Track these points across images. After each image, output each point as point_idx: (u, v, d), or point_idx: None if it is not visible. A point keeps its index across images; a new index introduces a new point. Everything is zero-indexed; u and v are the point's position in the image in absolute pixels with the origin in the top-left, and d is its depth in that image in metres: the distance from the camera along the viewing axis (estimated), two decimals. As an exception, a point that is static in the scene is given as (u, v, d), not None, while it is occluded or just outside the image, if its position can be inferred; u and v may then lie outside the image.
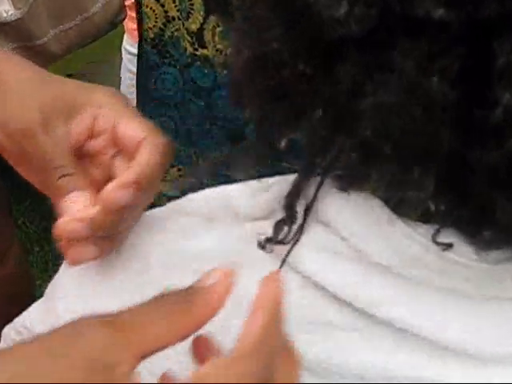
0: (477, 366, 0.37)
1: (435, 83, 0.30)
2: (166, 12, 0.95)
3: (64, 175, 0.43)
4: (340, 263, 0.38)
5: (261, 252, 0.40)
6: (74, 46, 0.99)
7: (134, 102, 1.05)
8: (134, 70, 1.25)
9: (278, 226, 0.39)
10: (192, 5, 0.92)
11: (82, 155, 0.46)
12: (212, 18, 0.91)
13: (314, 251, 0.39)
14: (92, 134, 0.46)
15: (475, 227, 0.35)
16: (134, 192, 0.41)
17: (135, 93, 1.06)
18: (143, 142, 0.44)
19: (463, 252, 0.36)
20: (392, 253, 0.37)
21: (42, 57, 0.97)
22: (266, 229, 0.40)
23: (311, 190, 0.39)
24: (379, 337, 0.38)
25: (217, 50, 0.93)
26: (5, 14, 0.90)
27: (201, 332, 0.34)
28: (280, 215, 0.40)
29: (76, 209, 0.43)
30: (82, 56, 1.24)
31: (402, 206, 0.37)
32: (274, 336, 0.33)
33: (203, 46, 0.93)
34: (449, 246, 0.36)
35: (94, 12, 0.96)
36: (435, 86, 0.30)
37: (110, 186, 0.42)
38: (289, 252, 0.39)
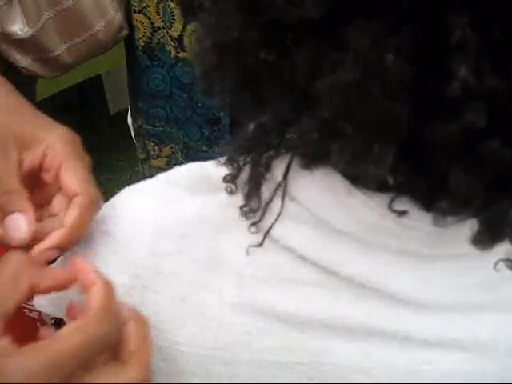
0: (425, 313, 0.40)
1: (391, 60, 0.29)
2: (152, 23, 1.13)
3: (6, 192, 0.44)
4: (306, 229, 0.39)
5: (235, 218, 0.41)
6: (85, 58, 1.09)
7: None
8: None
9: (248, 198, 0.40)
10: (173, 15, 1.09)
11: (37, 184, 0.48)
12: (189, 26, 1.08)
13: (282, 219, 0.40)
14: (42, 168, 0.47)
15: (431, 197, 0.35)
16: (58, 251, 0.44)
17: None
18: (76, 198, 0.45)
19: (417, 217, 0.37)
20: (352, 221, 0.38)
21: (59, 66, 1.08)
22: (238, 199, 0.42)
23: (279, 168, 0.40)
24: (341, 290, 0.40)
25: None
26: (20, 32, 1.00)
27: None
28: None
29: (15, 230, 0.44)
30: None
31: (360, 179, 0.38)
32: (114, 305, 0.37)
33: (183, 50, 1.11)
34: (403, 213, 0.37)
35: (98, 30, 1.05)
36: (391, 63, 0.29)
37: (36, 249, 0.44)
38: (259, 220, 0.40)
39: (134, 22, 1.14)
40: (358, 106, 0.31)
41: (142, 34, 1.15)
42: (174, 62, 1.14)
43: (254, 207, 0.40)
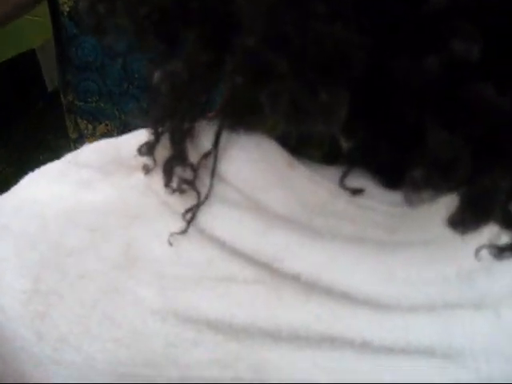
0: (387, 315, 0.35)
1: None
2: None
3: None
4: (238, 216, 0.34)
5: (155, 203, 0.36)
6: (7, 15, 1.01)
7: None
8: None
9: (168, 176, 0.35)
10: None
11: None
12: None
13: (210, 204, 0.35)
14: None
15: (398, 166, 0.29)
16: None
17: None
18: None
19: (376, 196, 0.32)
20: (294, 202, 0.33)
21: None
22: (156, 179, 0.36)
23: (205, 136, 0.35)
24: (284, 290, 0.34)
25: None
26: None
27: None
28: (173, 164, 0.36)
29: None
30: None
31: (303, 146, 0.33)
32: None
33: None
34: (359, 190, 0.32)
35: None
36: None
37: None
38: (183, 205, 0.35)
39: None
40: (294, 31, 0.24)
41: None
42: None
43: (175, 188, 0.35)
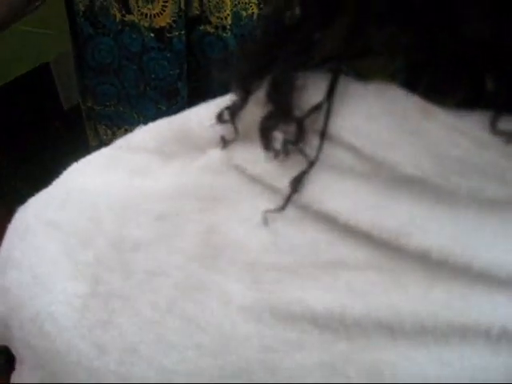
0: None
1: None
2: None
3: None
4: (351, 183, 0.29)
5: (237, 181, 0.31)
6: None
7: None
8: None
9: (265, 138, 0.30)
10: None
11: None
12: None
13: (316, 172, 0.30)
14: None
15: None
16: None
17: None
18: None
19: None
20: (428, 158, 0.28)
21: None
22: (239, 153, 0.32)
23: (313, 88, 0.30)
24: (408, 273, 0.29)
25: (141, 14, 0.98)
26: None
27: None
28: (254, 133, 0.31)
29: None
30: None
31: (437, 90, 0.28)
32: None
33: (129, 12, 0.99)
34: None
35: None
36: None
37: None
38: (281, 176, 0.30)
39: None
40: None
41: None
42: (120, 27, 1.01)
43: (278, 150, 0.29)
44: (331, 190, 0.29)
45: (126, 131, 1.11)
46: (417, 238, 0.28)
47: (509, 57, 0.25)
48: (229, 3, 0.94)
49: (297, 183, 0.29)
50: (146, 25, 0.98)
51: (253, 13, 0.94)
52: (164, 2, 0.95)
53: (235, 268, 0.30)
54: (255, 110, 0.30)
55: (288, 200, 0.29)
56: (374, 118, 0.28)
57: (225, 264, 0.31)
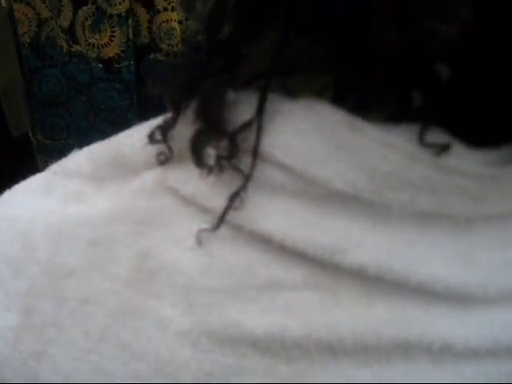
0: (470, 310, 0.29)
1: None
2: (38, 14, 0.98)
3: None
4: (283, 202, 0.29)
5: (171, 203, 0.31)
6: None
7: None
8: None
9: (196, 155, 0.30)
10: (61, 1, 0.95)
11: None
12: (80, 13, 0.94)
13: (249, 192, 0.29)
14: None
15: (496, 110, 0.26)
16: None
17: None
18: None
19: (460, 154, 0.27)
20: (358, 173, 0.27)
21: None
22: (172, 174, 0.32)
23: (243, 104, 0.29)
24: (345, 290, 0.29)
25: (89, 45, 0.96)
26: None
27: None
28: (187, 152, 0.30)
29: None
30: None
31: (363, 106, 0.28)
32: None
33: (76, 42, 0.97)
34: (445, 148, 0.27)
35: None
36: None
37: None
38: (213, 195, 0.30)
39: (16, 14, 0.99)
40: None
41: (26, 29, 1.00)
42: (67, 58, 1.00)
43: (211, 166, 0.29)
44: (264, 210, 0.28)
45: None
46: (352, 255, 0.28)
47: (431, 70, 0.25)
48: (179, 30, 0.92)
49: (230, 203, 0.28)
50: (94, 55, 0.97)
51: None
52: (112, 32, 0.94)
53: (170, 292, 0.30)
54: (186, 129, 0.30)
55: (221, 220, 0.28)
56: (304, 135, 0.28)
57: (160, 288, 0.30)
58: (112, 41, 0.94)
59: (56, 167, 0.36)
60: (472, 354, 0.29)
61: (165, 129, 0.31)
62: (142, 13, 0.93)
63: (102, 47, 0.95)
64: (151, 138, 0.31)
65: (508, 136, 0.26)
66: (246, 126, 0.28)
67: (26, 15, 0.99)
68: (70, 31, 0.96)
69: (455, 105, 0.26)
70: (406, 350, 0.29)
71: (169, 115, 0.31)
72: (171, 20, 0.92)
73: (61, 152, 1.05)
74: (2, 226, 0.34)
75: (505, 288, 0.29)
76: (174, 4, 0.91)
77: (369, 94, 0.27)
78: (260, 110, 0.28)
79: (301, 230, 0.28)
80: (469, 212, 0.28)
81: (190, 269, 0.29)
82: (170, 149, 0.31)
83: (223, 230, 0.29)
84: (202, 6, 0.28)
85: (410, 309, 0.28)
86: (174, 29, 0.93)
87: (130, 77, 0.96)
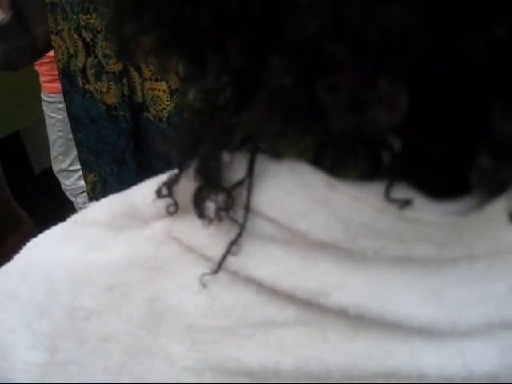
0: (445, 344, 0.32)
1: None
2: (67, 48, 1.07)
3: None
4: (273, 250, 0.32)
5: (177, 251, 0.34)
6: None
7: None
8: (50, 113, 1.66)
9: (198, 208, 0.33)
10: (77, 46, 1.02)
11: None
12: (89, 60, 1.01)
13: (242, 242, 0.32)
14: None
15: (454, 164, 0.29)
16: None
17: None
18: None
19: (423, 207, 0.30)
20: (336, 225, 0.30)
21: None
22: (177, 225, 0.34)
23: (236, 165, 0.32)
24: (331, 327, 0.32)
25: (94, 88, 1.03)
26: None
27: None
28: (189, 206, 0.33)
29: None
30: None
31: (339, 166, 0.31)
32: None
33: (88, 82, 1.05)
34: (408, 202, 0.29)
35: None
36: None
37: None
38: (224, 255, 0.32)
39: (53, 44, 1.09)
40: (354, 15, 0.24)
41: (60, 57, 1.10)
42: (83, 92, 1.08)
43: (212, 217, 0.32)
44: (256, 258, 0.31)
45: (94, 177, 1.20)
46: (334, 297, 0.30)
47: (384, 143, 0.28)
48: (164, 98, 0.96)
49: (227, 251, 0.32)
50: (99, 98, 1.04)
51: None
52: (109, 83, 1.00)
53: (177, 331, 0.33)
54: (188, 185, 0.33)
55: (220, 266, 0.32)
56: (287, 192, 0.31)
57: (168, 328, 0.33)
58: (110, 91, 1.01)
59: (77, 217, 0.40)
60: (448, 382, 0.31)
61: (170, 184, 0.34)
62: (135, 75, 0.98)
63: (104, 94, 1.02)
64: (159, 193, 0.34)
65: (464, 189, 0.29)
66: (239, 183, 0.31)
67: (60, 46, 1.08)
68: (83, 72, 1.04)
69: (416, 164, 0.29)
70: (386, 379, 0.31)
71: (173, 173, 0.34)
72: (156, 89, 0.96)
73: (83, 162, 1.17)
74: (30, 272, 0.37)
75: (473, 322, 0.31)
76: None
77: (343, 156, 0.30)
78: (250, 171, 0.31)
79: (288, 276, 0.31)
80: (433, 256, 0.30)
81: (194, 310, 0.33)
82: (175, 202, 0.34)
83: (222, 275, 0.32)
84: (194, 95, 0.31)
85: (388, 342, 0.31)
86: (159, 97, 0.96)
87: (126, 126, 1.02)
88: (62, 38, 1.06)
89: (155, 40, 0.30)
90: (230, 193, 0.31)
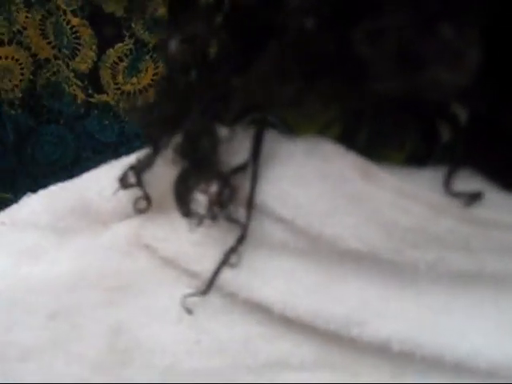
0: None
1: None
2: (34, 56, 0.80)
3: None
4: (285, 263, 0.26)
5: (148, 265, 0.28)
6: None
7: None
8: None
9: (181, 204, 0.27)
10: (78, 38, 0.77)
11: None
12: (111, 52, 0.77)
13: (243, 252, 0.27)
14: None
15: None
16: None
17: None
18: None
19: (496, 204, 0.25)
20: (374, 228, 0.25)
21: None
22: (150, 229, 0.29)
23: (237, 145, 0.27)
24: (368, 371, 0.26)
25: (122, 93, 0.79)
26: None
27: None
28: (168, 200, 0.28)
29: None
30: None
31: (378, 146, 0.26)
32: None
33: (100, 90, 0.80)
34: (475, 196, 0.24)
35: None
36: None
37: None
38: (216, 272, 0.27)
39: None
40: None
41: (17, 81, 0.81)
42: (82, 110, 0.81)
43: (202, 215, 0.27)
44: (261, 273, 0.26)
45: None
46: (372, 328, 0.26)
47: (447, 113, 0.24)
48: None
49: (222, 263, 0.26)
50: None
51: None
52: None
53: (149, 377, 0.27)
54: (166, 171, 0.28)
55: (210, 285, 0.27)
56: (305, 183, 0.26)
57: (136, 373, 0.28)
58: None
59: (3, 217, 0.34)
60: None
61: (139, 170, 0.29)
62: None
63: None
64: (123, 181, 0.29)
65: None
66: (240, 169, 0.26)
67: (18, 60, 0.81)
68: (91, 76, 0.80)
69: (487, 143, 0.25)
70: None
71: (144, 153, 0.29)
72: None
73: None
74: None
75: None
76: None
77: (386, 129, 0.25)
78: (255, 153, 0.26)
79: (306, 298, 0.26)
80: (508, 269, 0.26)
81: (173, 347, 0.27)
82: (146, 195, 0.29)
83: (213, 299, 0.27)
84: (176, 45, 0.27)
85: None
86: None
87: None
88: (21, 45, 0.79)
89: None
90: (227, 181, 0.26)
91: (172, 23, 0.27)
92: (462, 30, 0.21)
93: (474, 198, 0.24)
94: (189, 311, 0.26)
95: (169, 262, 0.27)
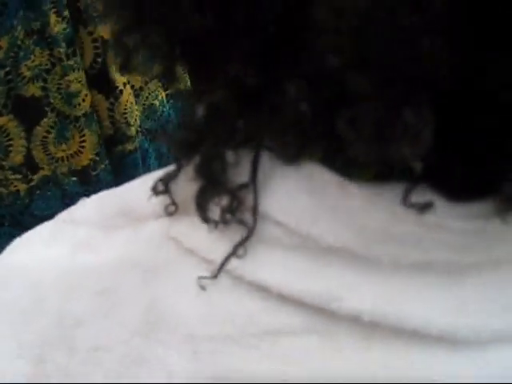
0: (467, 353, 0.30)
1: None
2: None
3: None
4: (280, 254, 0.30)
5: (176, 254, 0.32)
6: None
7: None
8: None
9: (201, 209, 0.31)
10: (8, 135, 0.76)
11: None
12: (39, 130, 0.78)
13: (247, 245, 0.30)
14: None
15: (487, 160, 0.27)
16: None
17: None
18: None
19: (444, 211, 0.28)
20: (348, 230, 0.29)
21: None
22: (177, 226, 0.32)
23: (240, 166, 0.30)
24: (343, 336, 0.30)
25: (56, 161, 0.81)
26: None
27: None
28: (190, 206, 0.31)
29: None
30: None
31: (352, 166, 0.29)
32: None
33: (37, 169, 0.80)
34: (428, 206, 0.27)
35: None
36: None
37: None
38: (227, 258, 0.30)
39: None
40: (379, 47, 0.23)
41: None
42: (27, 201, 0.81)
43: (217, 220, 0.30)
44: (262, 262, 0.30)
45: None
46: (347, 303, 0.29)
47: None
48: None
49: (231, 253, 0.30)
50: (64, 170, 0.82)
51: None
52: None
53: (175, 340, 0.31)
54: (188, 184, 0.31)
55: (221, 268, 0.30)
56: (296, 196, 0.29)
57: (165, 337, 0.31)
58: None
59: (64, 215, 0.37)
60: None
61: (167, 181, 0.32)
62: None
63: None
64: (155, 189, 0.32)
65: (489, 189, 0.27)
66: (244, 186, 0.30)
67: None
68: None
69: (435, 169, 0.27)
70: None
71: (170, 169, 0.32)
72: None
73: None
74: (12, 274, 0.34)
75: (497, 331, 0.29)
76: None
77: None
78: (253, 176, 0.30)
79: (297, 280, 0.29)
80: (454, 262, 0.29)
81: (193, 318, 0.30)
82: (173, 201, 0.32)
83: (224, 280, 0.30)
84: (202, 109, 0.30)
85: (406, 352, 0.29)
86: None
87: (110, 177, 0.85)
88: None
89: (161, 52, 0.30)
90: (235, 195, 0.30)
91: (196, 92, 0.31)
92: (421, 113, 0.24)
93: (425, 207, 0.27)
94: (203, 288, 0.30)
95: (190, 252, 0.31)
